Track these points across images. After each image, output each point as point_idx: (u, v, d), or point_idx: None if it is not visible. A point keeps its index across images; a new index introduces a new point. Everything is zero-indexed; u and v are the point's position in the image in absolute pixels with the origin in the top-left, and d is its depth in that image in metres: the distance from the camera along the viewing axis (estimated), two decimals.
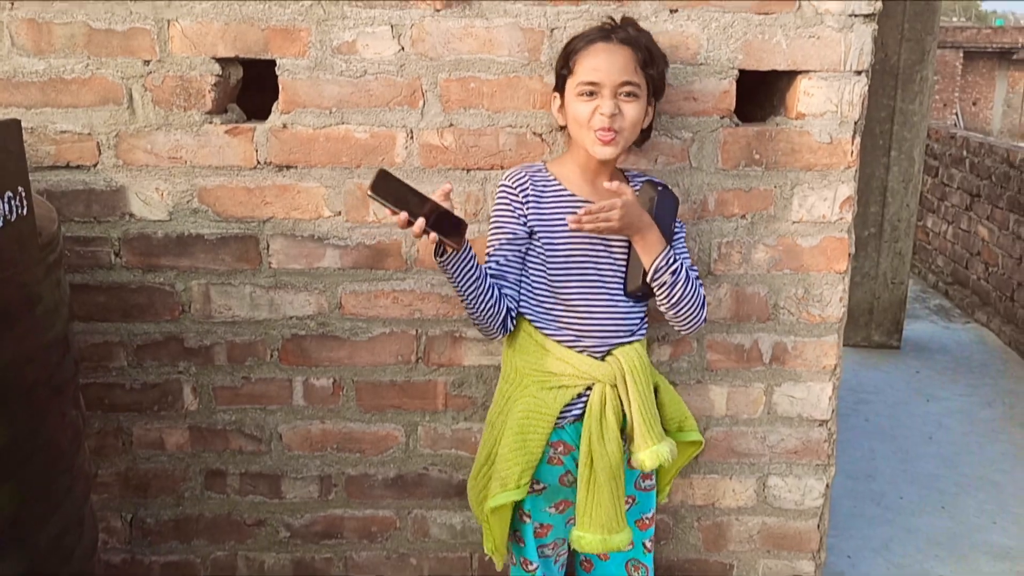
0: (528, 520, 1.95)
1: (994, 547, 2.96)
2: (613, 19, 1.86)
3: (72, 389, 1.67)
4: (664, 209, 1.85)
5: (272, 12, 1.98)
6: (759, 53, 2.01)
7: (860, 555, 2.89)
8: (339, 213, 2.09)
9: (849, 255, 2.14)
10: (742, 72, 2.03)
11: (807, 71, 2.02)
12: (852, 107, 2.04)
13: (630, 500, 1.98)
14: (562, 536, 1.97)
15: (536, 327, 1.88)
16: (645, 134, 1.91)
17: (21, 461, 1.44)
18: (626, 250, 1.86)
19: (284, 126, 2.04)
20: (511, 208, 1.87)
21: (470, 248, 1.74)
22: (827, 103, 2.04)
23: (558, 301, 1.86)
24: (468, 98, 2.02)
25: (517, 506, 1.94)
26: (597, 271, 1.86)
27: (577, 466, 1.85)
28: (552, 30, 1.98)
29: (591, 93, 1.77)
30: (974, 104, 24.63)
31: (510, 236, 1.86)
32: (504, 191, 1.89)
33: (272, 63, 2.02)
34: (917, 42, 4.45)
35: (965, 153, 6.11)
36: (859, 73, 2.02)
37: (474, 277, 1.75)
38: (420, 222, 1.62)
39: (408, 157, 2.05)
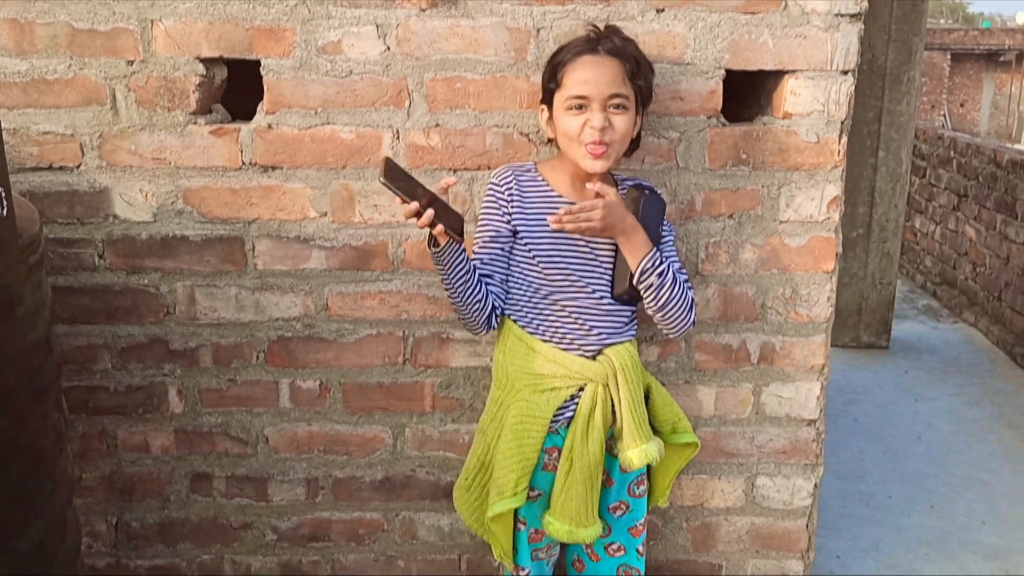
0: (523, 527, 1.94)
1: (983, 546, 2.96)
2: (597, 28, 1.84)
3: (54, 392, 1.65)
4: (650, 212, 1.84)
5: (256, 12, 1.97)
6: (746, 53, 2.01)
7: (849, 555, 2.89)
8: (325, 214, 2.08)
9: (836, 255, 2.14)
10: (729, 72, 2.02)
11: (794, 71, 2.02)
12: (839, 107, 2.04)
13: (624, 507, 1.98)
14: (554, 540, 1.96)
15: (525, 330, 1.88)
16: (634, 143, 1.91)
17: (1, 465, 1.42)
18: (611, 252, 1.86)
19: (269, 126, 2.03)
20: (497, 206, 1.87)
21: (463, 243, 1.75)
22: (814, 103, 2.04)
23: (544, 302, 1.86)
24: (454, 98, 2.02)
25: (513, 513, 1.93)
26: (581, 272, 1.86)
27: None
28: (538, 30, 1.97)
29: (580, 107, 1.76)
30: (962, 106, 24.76)
31: (494, 234, 1.86)
32: (491, 189, 1.90)
33: (257, 63, 2.00)
34: (904, 43, 4.46)
35: (952, 154, 6.13)
36: (846, 73, 2.02)
37: (465, 271, 1.76)
38: (430, 213, 1.64)
39: (394, 157, 2.04)
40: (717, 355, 2.20)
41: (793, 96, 2.03)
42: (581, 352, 1.87)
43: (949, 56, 23.82)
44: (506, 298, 1.89)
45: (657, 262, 1.80)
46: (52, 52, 1.99)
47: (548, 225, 1.81)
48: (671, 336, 1.93)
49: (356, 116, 2.02)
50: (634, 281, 1.81)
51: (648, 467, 1.99)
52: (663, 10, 1.98)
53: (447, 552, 2.32)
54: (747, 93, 2.19)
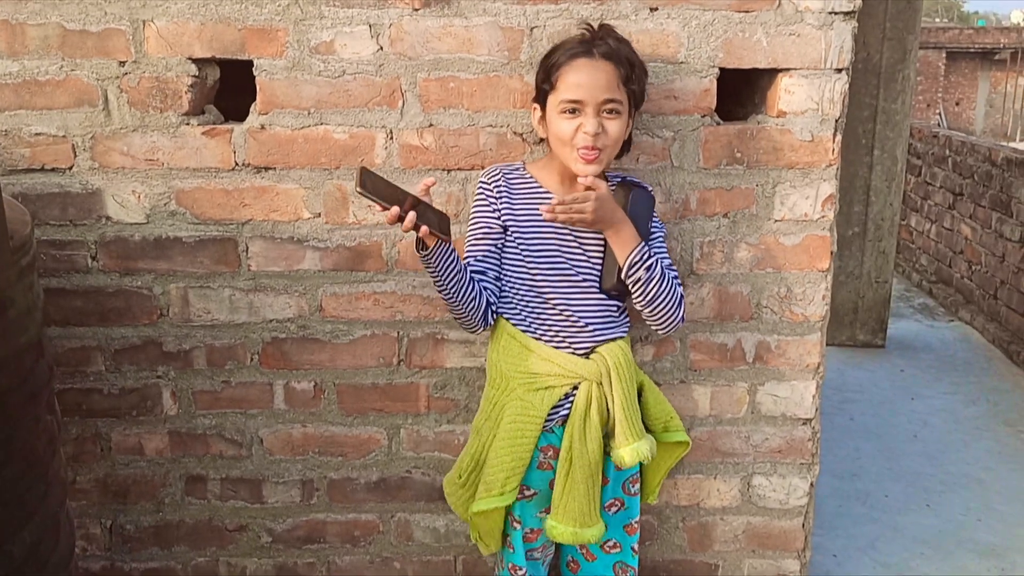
0: (518, 527, 1.94)
1: (979, 545, 2.96)
2: (592, 27, 1.83)
3: (47, 394, 1.64)
4: (640, 207, 1.84)
5: (249, 12, 1.96)
6: (740, 51, 2.00)
7: (846, 554, 2.89)
8: (319, 215, 2.08)
9: (831, 253, 2.13)
10: (723, 70, 2.02)
11: (788, 69, 2.02)
12: (833, 105, 2.03)
13: (618, 503, 1.98)
14: (549, 540, 1.96)
15: (518, 328, 1.87)
16: (625, 146, 1.90)
17: None
18: (600, 246, 1.86)
19: (262, 127, 2.02)
20: (487, 203, 1.87)
21: (451, 243, 1.74)
22: (808, 101, 2.03)
23: (536, 298, 1.86)
24: (448, 98, 2.01)
25: (507, 512, 1.94)
26: (570, 267, 1.85)
27: None
28: (532, 29, 1.97)
29: (574, 111, 1.75)
30: (957, 104, 24.80)
31: (486, 230, 1.86)
32: (480, 187, 1.90)
33: (249, 63, 2.00)
34: (899, 41, 4.46)
35: (948, 152, 6.14)
36: (840, 71, 2.02)
37: (456, 271, 1.74)
38: (412, 216, 1.61)
39: (388, 158, 2.04)
40: (712, 354, 2.20)
41: (787, 94, 2.03)
42: (574, 350, 1.87)
43: (944, 54, 23.85)
44: (500, 295, 1.89)
45: (645, 256, 1.79)
46: (44, 53, 1.98)
47: (537, 220, 1.82)
48: (660, 333, 1.93)
49: (349, 116, 2.02)
50: (622, 275, 1.81)
51: (640, 464, 2.00)
52: (657, 9, 1.97)
53: (443, 553, 2.32)
54: (741, 92, 2.19)
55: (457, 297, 1.77)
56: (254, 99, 2.02)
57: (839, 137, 2.06)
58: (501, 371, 1.90)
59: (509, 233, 1.86)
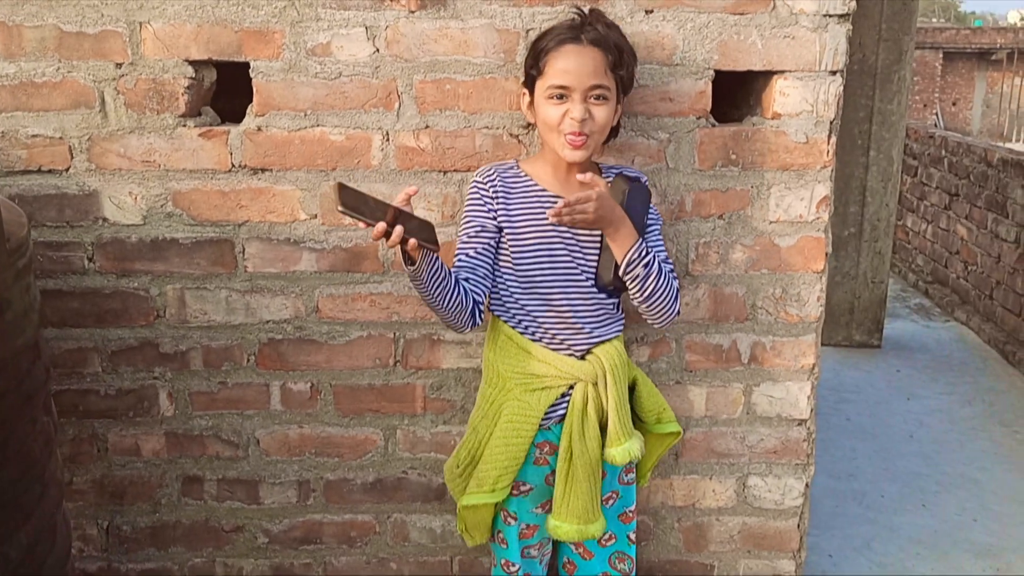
0: (513, 522, 1.95)
1: (975, 545, 2.97)
2: (582, 11, 1.83)
3: (43, 396, 1.65)
4: (636, 201, 1.83)
5: (245, 14, 1.97)
6: (735, 53, 2.01)
7: (842, 554, 2.89)
8: (315, 216, 2.08)
9: (826, 254, 2.14)
10: (718, 72, 2.03)
11: (783, 71, 2.02)
12: (828, 107, 2.04)
13: (614, 495, 1.99)
14: (548, 536, 1.97)
15: (515, 330, 1.88)
16: (614, 131, 1.90)
17: None
18: (596, 243, 1.86)
19: (259, 129, 2.03)
20: (481, 202, 1.87)
21: (438, 251, 1.71)
22: (803, 103, 2.04)
23: (533, 299, 1.86)
24: (444, 99, 2.02)
25: (501, 508, 1.95)
26: (567, 265, 1.86)
27: None
28: (527, 31, 1.97)
29: (561, 96, 1.76)
30: (954, 104, 24.82)
31: (479, 228, 1.86)
32: (475, 186, 1.90)
33: (246, 65, 2.00)
34: (895, 42, 4.47)
35: (944, 153, 6.15)
36: (834, 73, 2.02)
37: (442, 278, 1.70)
38: (398, 231, 1.55)
39: (384, 159, 2.04)
40: (708, 355, 2.20)
41: (782, 96, 2.04)
42: (571, 352, 1.88)
43: (941, 55, 23.87)
44: (494, 294, 1.89)
45: (643, 253, 1.78)
46: (40, 55, 1.98)
47: (534, 219, 1.83)
48: (656, 327, 1.93)
49: (346, 118, 2.02)
50: (620, 272, 1.80)
51: None
52: (652, 11, 1.98)
53: (439, 554, 2.32)
54: (736, 94, 2.19)
55: (444, 303, 1.73)
56: (251, 101, 2.03)
57: (834, 139, 2.06)
58: (498, 371, 1.91)
59: (504, 235, 1.86)
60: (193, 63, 2.00)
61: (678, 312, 1.89)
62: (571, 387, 1.87)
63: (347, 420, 2.22)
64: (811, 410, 2.24)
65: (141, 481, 2.25)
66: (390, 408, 2.21)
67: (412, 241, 1.57)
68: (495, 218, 1.86)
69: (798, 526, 2.33)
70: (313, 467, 2.25)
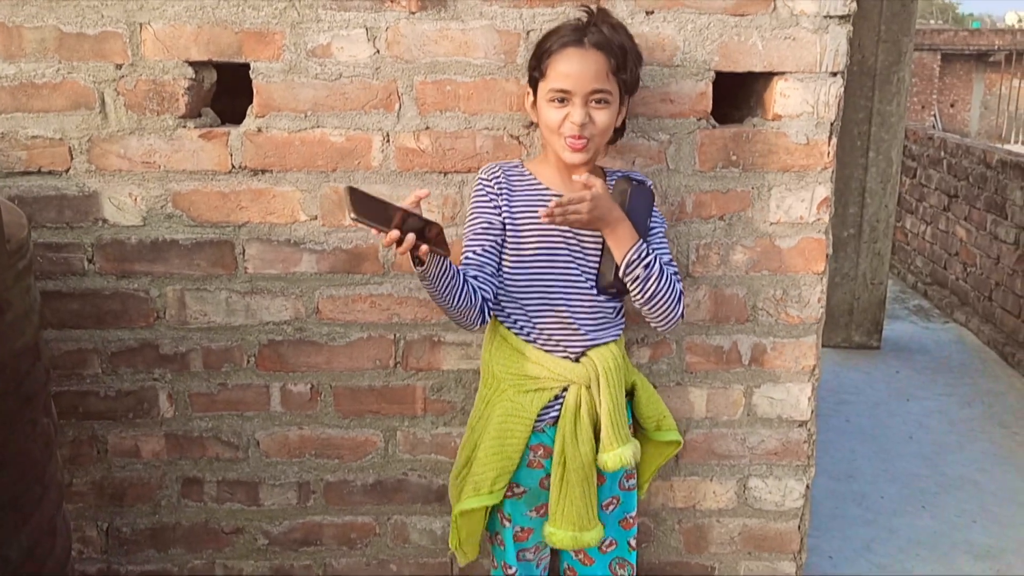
0: (508, 524, 1.94)
1: (975, 546, 2.97)
2: (589, 10, 1.82)
3: (43, 397, 1.64)
4: (638, 203, 1.82)
5: (246, 15, 1.96)
6: (735, 55, 2.01)
7: (842, 555, 2.89)
8: (315, 217, 2.08)
9: (827, 256, 2.14)
10: (718, 74, 2.03)
11: (783, 72, 2.02)
12: (828, 108, 2.04)
13: (614, 501, 1.98)
14: (543, 540, 1.95)
15: (511, 331, 1.87)
16: (619, 132, 1.90)
17: None
18: (597, 245, 1.85)
19: (259, 130, 2.03)
20: (487, 198, 1.86)
21: (448, 254, 1.70)
22: (803, 104, 2.04)
23: (530, 299, 1.85)
24: (444, 101, 2.01)
25: (497, 510, 1.94)
26: (567, 266, 1.85)
27: None
28: (528, 32, 1.97)
29: (562, 100, 1.75)
30: (952, 106, 24.84)
31: (486, 225, 1.84)
32: (480, 183, 1.89)
33: (246, 66, 2.00)
34: (894, 44, 4.48)
35: (943, 154, 6.15)
36: (835, 74, 2.02)
37: (450, 278, 1.69)
38: (410, 238, 1.53)
39: (384, 160, 2.04)
40: (708, 357, 2.20)
41: (783, 98, 2.04)
42: (566, 354, 1.86)
43: (939, 56, 23.89)
44: (498, 290, 1.87)
45: (643, 254, 1.77)
46: (40, 56, 1.98)
47: (535, 219, 1.81)
48: (659, 329, 1.90)
49: (346, 119, 2.02)
50: (620, 273, 1.79)
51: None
52: (653, 12, 1.98)
53: (439, 555, 2.32)
54: (737, 95, 2.19)
55: (451, 303, 1.72)
56: (251, 101, 2.02)
57: (834, 140, 2.06)
58: (493, 371, 1.91)
59: (507, 229, 1.85)
60: (193, 64, 2.00)
61: (682, 315, 1.86)
62: (565, 389, 1.86)
63: (347, 421, 2.21)
64: (812, 411, 2.24)
65: (141, 483, 2.25)
66: (390, 409, 2.21)
67: (424, 247, 1.56)
68: (500, 214, 1.85)
69: (799, 528, 2.33)
70: (313, 468, 2.25)
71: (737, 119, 2.14)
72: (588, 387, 1.84)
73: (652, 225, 1.88)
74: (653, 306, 1.82)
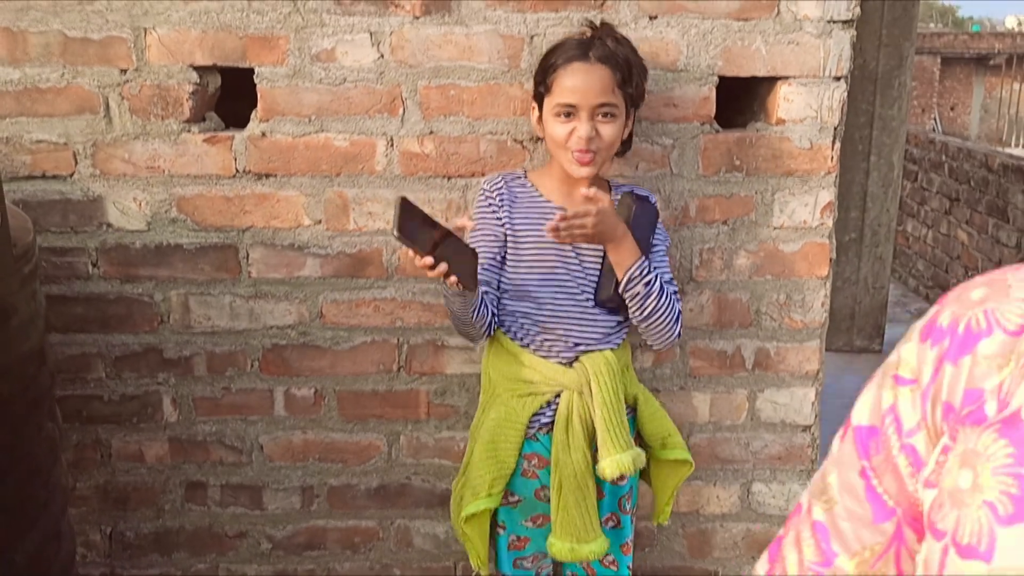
0: (502, 532, 1.93)
1: None
2: (593, 24, 1.83)
3: (48, 402, 1.65)
4: (642, 219, 1.82)
5: (250, 20, 1.97)
6: (739, 59, 2.01)
7: None
8: (319, 222, 2.08)
9: (830, 260, 2.14)
10: (722, 78, 2.03)
11: (787, 77, 2.02)
12: (832, 113, 2.04)
13: (614, 519, 1.95)
14: (543, 550, 1.92)
15: (507, 336, 1.87)
16: (626, 144, 1.90)
17: None
18: (597, 259, 1.84)
19: (263, 134, 2.03)
20: (491, 210, 1.86)
21: (477, 291, 1.73)
22: (807, 109, 2.04)
23: (527, 308, 1.84)
24: (448, 105, 2.02)
25: (492, 517, 1.92)
26: (562, 278, 1.84)
27: None
28: (532, 37, 1.98)
29: (568, 114, 1.75)
30: (952, 109, 24.86)
31: (492, 239, 1.85)
32: (483, 194, 1.89)
33: (250, 71, 2.00)
34: (895, 48, 4.48)
35: (944, 158, 6.16)
36: (838, 79, 2.03)
37: (476, 304, 1.74)
38: (442, 267, 1.59)
39: (388, 165, 2.04)
40: (712, 361, 2.20)
41: (786, 102, 2.04)
42: (560, 359, 1.85)
43: (939, 60, 23.90)
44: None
45: (644, 271, 1.76)
46: (45, 61, 1.98)
47: (536, 231, 1.81)
48: (655, 347, 1.89)
49: (350, 124, 2.02)
50: (620, 289, 1.79)
51: (646, 483, 2.00)
52: (656, 17, 1.98)
53: (442, 560, 2.32)
54: (740, 99, 2.19)
55: (468, 321, 1.77)
56: (255, 105, 2.03)
57: (838, 145, 2.07)
58: (490, 377, 1.91)
59: (508, 240, 1.85)
60: (198, 69, 2.00)
61: (678, 335, 1.85)
62: (558, 396, 1.84)
63: (351, 426, 2.22)
64: (815, 416, 2.24)
65: (145, 487, 2.25)
66: (394, 414, 2.21)
67: (452, 279, 1.62)
68: (502, 225, 1.85)
69: None
70: (317, 473, 2.25)
71: (741, 124, 2.14)
72: (580, 393, 1.82)
73: (654, 242, 1.87)
74: (650, 324, 1.81)
